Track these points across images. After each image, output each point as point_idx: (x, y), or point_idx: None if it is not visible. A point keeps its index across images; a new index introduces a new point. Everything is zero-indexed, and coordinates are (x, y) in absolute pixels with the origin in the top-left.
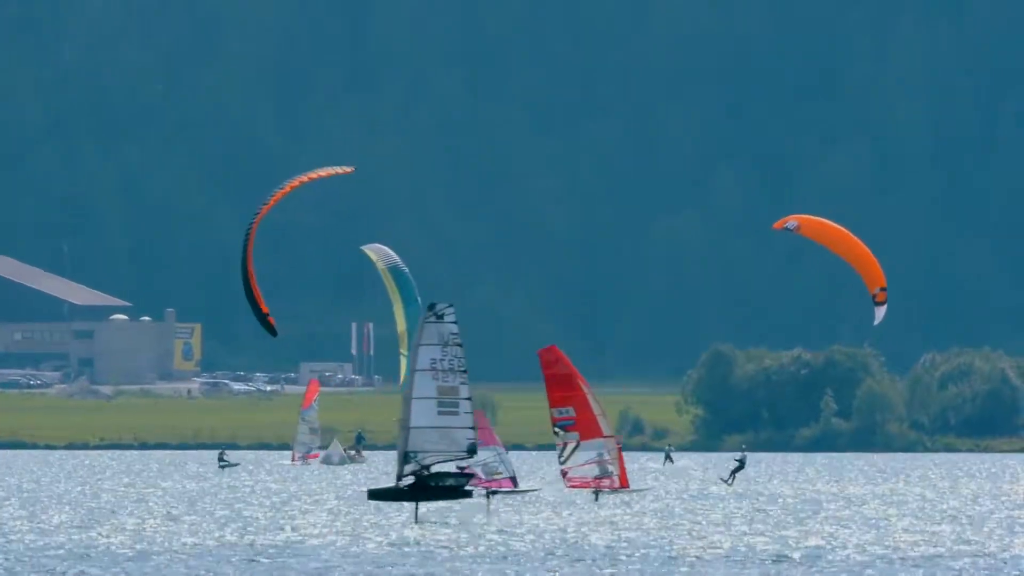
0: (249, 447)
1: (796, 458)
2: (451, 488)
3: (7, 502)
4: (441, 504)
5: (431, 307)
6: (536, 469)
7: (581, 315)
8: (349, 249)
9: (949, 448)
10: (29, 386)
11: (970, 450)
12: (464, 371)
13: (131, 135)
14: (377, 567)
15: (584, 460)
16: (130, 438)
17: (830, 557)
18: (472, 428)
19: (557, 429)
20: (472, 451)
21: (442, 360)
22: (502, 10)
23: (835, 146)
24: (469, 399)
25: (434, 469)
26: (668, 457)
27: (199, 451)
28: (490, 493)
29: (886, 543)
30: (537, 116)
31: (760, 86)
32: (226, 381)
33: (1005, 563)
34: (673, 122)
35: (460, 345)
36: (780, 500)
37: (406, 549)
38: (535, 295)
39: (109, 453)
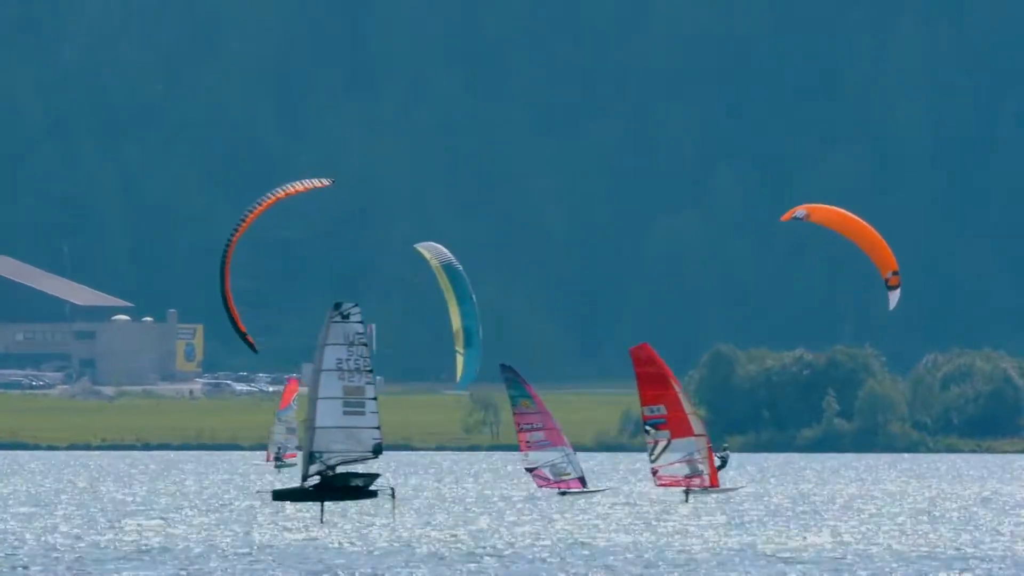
0: (251, 448)
1: (799, 458)
2: (357, 488)
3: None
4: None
5: (336, 307)
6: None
7: (581, 315)
8: (350, 249)
9: (951, 449)
10: (31, 387)
11: (972, 451)
12: (370, 371)
13: (132, 135)
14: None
15: (674, 459)
16: (132, 439)
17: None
18: (377, 428)
19: (648, 427)
20: (378, 451)
21: (348, 360)
22: (502, 10)
23: (835, 146)
24: (375, 399)
25: (339, 469)
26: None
27: (199, 452)
28: (393, 493)
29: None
30: (537, 116)
31: (760, 86)
32: (228, 382)
33: None
34: (673, 122)
35: (366, 344)
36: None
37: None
38: (535, 295)
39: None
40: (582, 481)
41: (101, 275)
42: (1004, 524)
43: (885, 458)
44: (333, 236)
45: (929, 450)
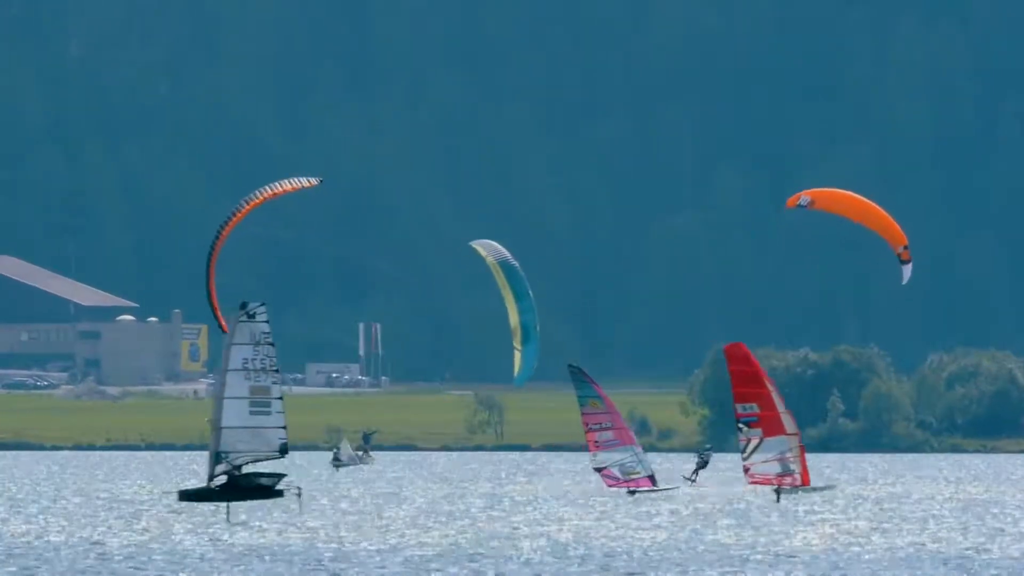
0: None
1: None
2: (263, 488)
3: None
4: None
5: (243, 306)
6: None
7: (583, 315)
8: (354, 249)
9: (956, 448)
10: (36, 387)
11: (977, 450)
12: (276, 370)
13: (134, 135)
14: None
15: (766, 457)
16: (137, 439)
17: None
18: (283, 428)
19: (741, 425)
20: (284, 451)
21: (254, 360)
22: (502, 10)
23: (836, 146)
24: (281, 398)
25: (245, 469)
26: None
27: (204, 452)
28: (300, 492)
29: None
30: (538, 116)
31: (761, 86)
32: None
33: None
34: (674, 122)
35: (272, 344)
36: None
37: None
38: (538, 295)
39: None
40: (652, 479)
41: (105, 275)
42: None
43: (890, 458)
44: (335, 236)
45: (933, 450)
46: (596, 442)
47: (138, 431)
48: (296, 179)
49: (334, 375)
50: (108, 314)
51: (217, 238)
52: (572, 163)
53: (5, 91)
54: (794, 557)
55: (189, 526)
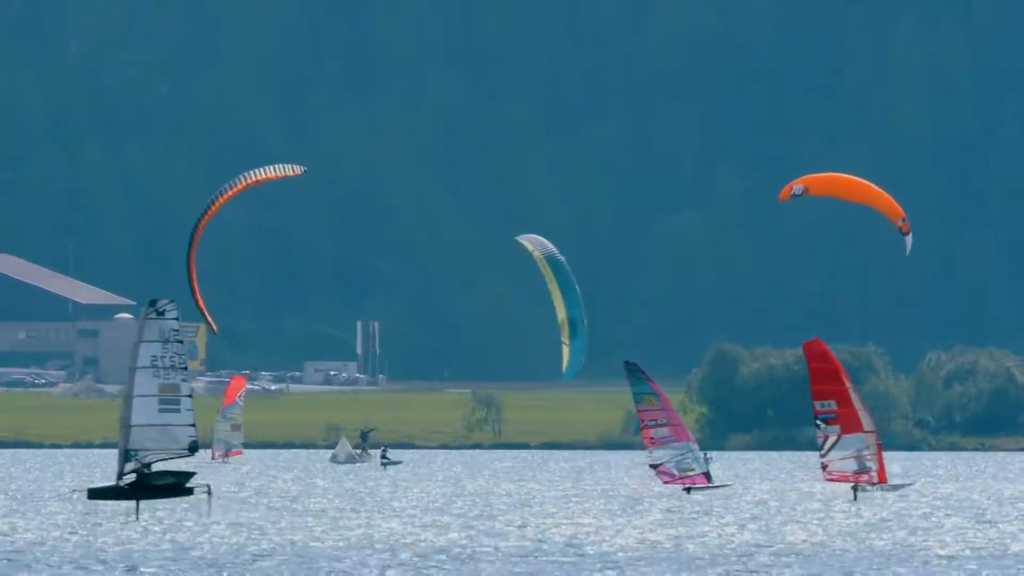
0: (255, 447)
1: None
2: (172, 486)
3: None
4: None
5: (152, 303)
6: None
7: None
8: (353, 248)
9: (954, 447)
10: (34, 385)
11: (975, 449)
12: (185, 368)
13: (134, 134)
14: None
15: (843, 455)
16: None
17: None
18: (192, 425)
19: (819, 422)
20: (193, 449)
21: (163, 357)
22: (502, 10)
23: (836, 146)
24: (190, 396)
25: (155, 467)
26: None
27: (201, 450)
28: (209, 491)
29: None
30: (538, 116)
31: (762, 86)
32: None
33: None
34: (675, 121)
35: (181, 342)
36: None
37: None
38: (538, 294)
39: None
40: (707, 476)
41: (104, 273)
42: None
43: (889, 456)
44: (335, 236)
45: (931, 448)
46: (651, 438)
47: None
48: (280, 166)
49: (332, 373)
50: (106, 312)
51: (196, 227)
52: (572, 163)
53: (5, 91)
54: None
55: (92, 523)
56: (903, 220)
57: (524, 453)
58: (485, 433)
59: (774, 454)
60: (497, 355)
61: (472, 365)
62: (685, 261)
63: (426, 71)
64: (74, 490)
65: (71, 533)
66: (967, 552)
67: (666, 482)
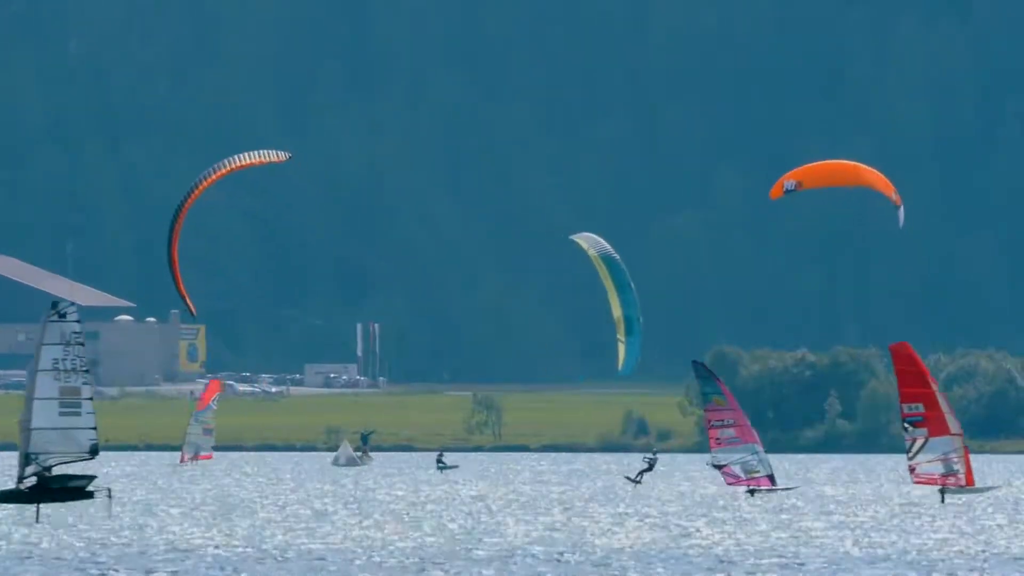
0: (255, 449)
1: (802, 459)
2: (73, 489)
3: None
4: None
5: (54, 305)
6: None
7: (584, 315)
8: (353, 249)
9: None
10: None
11: (975, 452)
12: (87, 371)
13: (135, 135)
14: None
15: (931, 457)
16: (135, 440)
17: None
18: (94, 428)
19: (906, 425)
20: (94, 452)
21: (64, 360)
22: (502, 10)
23: (836, 146)
24: (91, 399)
25: (56, 471)
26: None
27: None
28: (110, 494)
29: None
30: (539, 115)
31: (761, 86)
32: (231, 382)
33: None
34: (675, 122)
35: (82, 344)
36: None
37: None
38: (538, 295)
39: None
40: (771, 479)
41: (104, 275)
42: None
43: (885, 459)
44: (335, 236)
45: None
46: (717, 439)
47: (136, 431)
48: (265, 152)
49: (332, 375)
50: (106, 314)
51: (179, 211)
52: (572, 163)
53: (5, 91)
54: None
55: None
56: (895, 194)
57: (538, 455)
58: (485, 435)
59: (775, 456)
60: (497, 356)
61: (472, 366)
62: (685, 261)
63: (426, 71)
64: None
65: None
66: None
67: (730, 483)
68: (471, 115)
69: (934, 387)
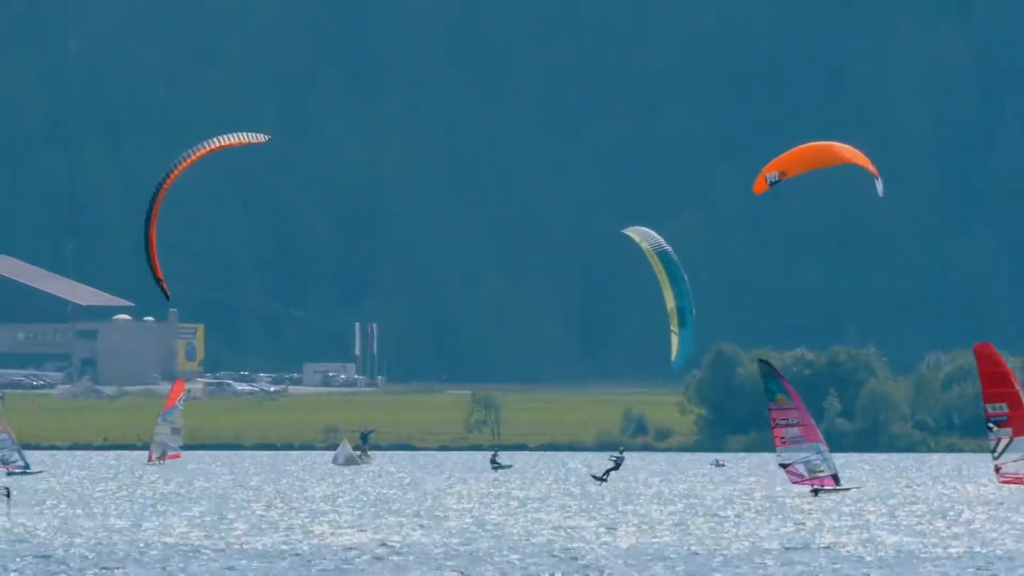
0: (254, 448)
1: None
2: None
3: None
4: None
5: None
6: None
7: (583, 315)
8: (352, 249)
9: (953, 448)
10: (32, 387)
11: (974, 450)
12: None
13: (134, 135)
14: None
15: (1016, 456)
16: (134, 439)
17: None
18: None
19: (991, 425)
20: None
21: None
22: (502, 10)
23: None
24: None
25: None
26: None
27: (200, 452)
28: (8, 493)
29: None
30: (539, 116)
31: (762, 86)
32: (229, 382)
33: None
34: (674, 122)
35: None
36: None
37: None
38: (538, 295)
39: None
40: (835, 479)
41: (102, 275)
42: None
43: (884, 458)
44: (336, 236)
45: (930, 450)
46: (782, 438)
47: (135, 430)
48: (243, 134)
49: (330, 374)
50: (105, 314)
51: (156, 196)
52: (572, 163)
53: (5, 91)
54: None
55: None
56: (872, 166)
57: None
58: (484, 434)
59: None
60: (496, 356)
61: (471, 366)
62: (685, 261)
63: (426, 71)
64: None
65: None
66: None
67: (794, 482)
68: (471, 115)
69: (1017, 387)
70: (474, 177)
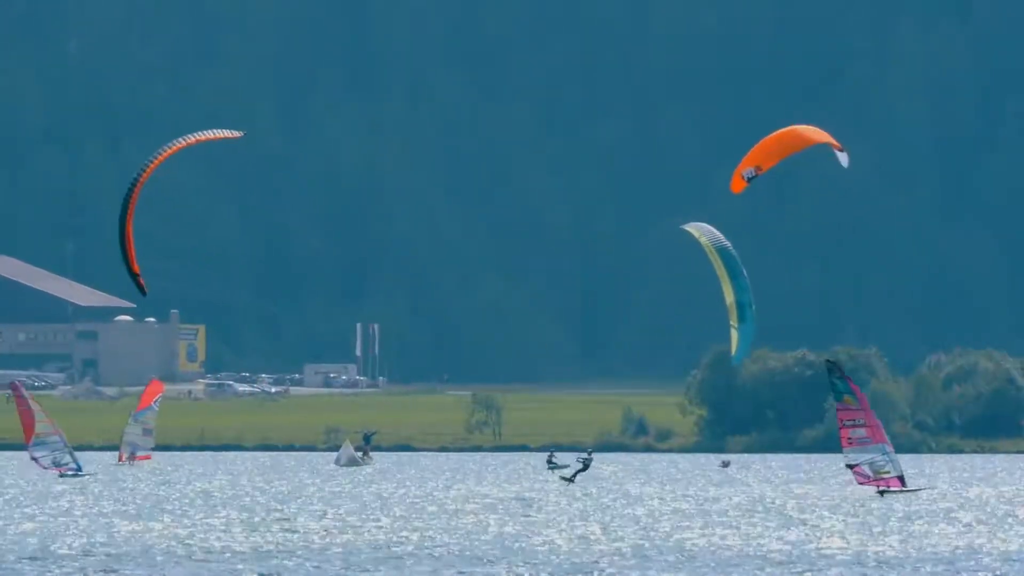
0: (255, 448)
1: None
2: None
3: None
4: None
5: None
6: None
7: (584, 315)
8: (353, 250)
9: (953, 449)
10: (33, 387)
11: (974, 451)
12: None
13: (134, 135)
14: None
15: None
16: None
17: None
18: None
19: None
20: None
21: None
22: (502, 10)
23: None
24: None
25: None
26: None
27: (202, 452)
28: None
29: None
30: (539, 116)
31: (761, 86)
32: (230, 382)
33: None
34: (675, 122)
35: None
36: None
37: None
38: (537, 295)
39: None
40: (901, 480)
41: (102, 275)
42: None
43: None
44: (335, 237)
45: (931, 450)
46: (849, 439)
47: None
48: (219, 130)
49: (331, 375)
50: (105, 314)
51: (130, 193)
52: (572, 163)
53: (5, 91)
54: None
55: None
56: (835, 140)
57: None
58: (485, 435)
59: (775, 456)
60: (497, 356)
61: (471, 366)
62: (685, 262)
63: (426, 71)
64: None
65: None
66: None
67: (861, 483)
68: (471, 115)
69: None
70: (474, 177)
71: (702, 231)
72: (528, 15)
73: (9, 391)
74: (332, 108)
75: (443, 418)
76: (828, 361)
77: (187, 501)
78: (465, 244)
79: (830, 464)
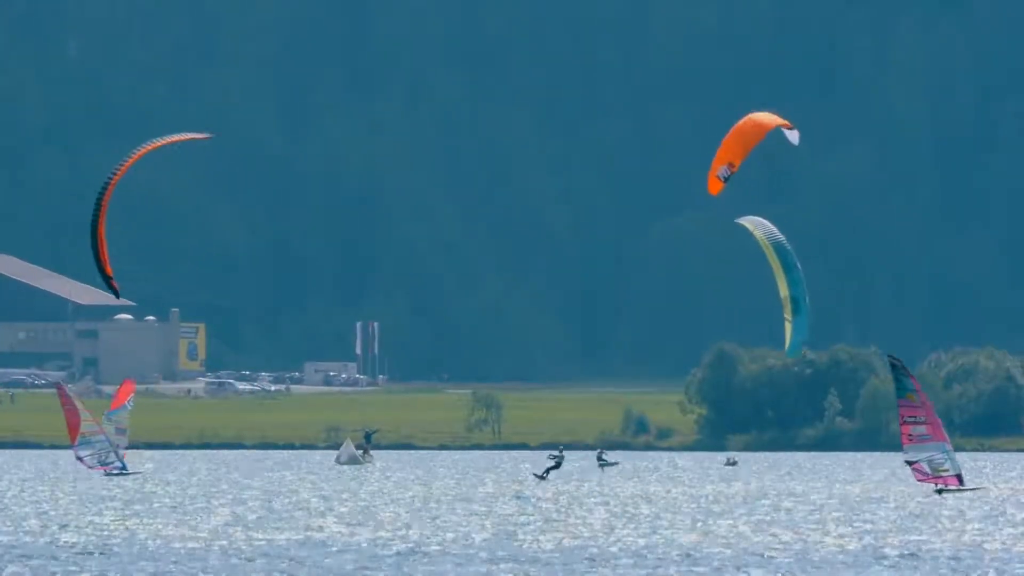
0: (255, 447)
1: (800, 458)
2: None
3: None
4: None
5: None
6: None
7: (583, 315)
8: (353, 249)
9: (954, 448)
10: (33, 386)
11: (975, 449)
12: None
13: (134, 135)
14: None
15: None
16: (134, 438)
17: None
18: None
19: None
20: None
21: None
22: (502, 10)
23: (836, 146)
24: None
25: None
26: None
27: (203, 451)
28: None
29: None
30: (538, 116)
31: (761, 86)
32: (231, 381)
33: None
34: (674, 122)
35: None
36: None
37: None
38: (537, 295)
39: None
40: (959, 479)
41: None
42: None
43: (886, 456)
44: (336, 236)
45: None
46: (909, 435)
47: (135, 430)
48: (188, 133)
49: (332, 374)
50: (106, 313)
51: (102, 195)
52: (572, 163)
53: (5, 91)
54: None
55: None
56: (786, 120)
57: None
58: (485, 433)
59: (775, 455)
60: (497, 355)
61: (471, 365)
62: (685, 261)
63: (426, 71)
64: None
65: None
66: None
67: (919, 480)
68: (471, 115)
69: None
70: (473, 177)
71: (756, 225)
72: (528, 15)
73: (12, 392)
74: (332, 108)
75: (443, 417)
76: (890, 356)
77: (187, 500)
78: (465, 244)
79: (842, 462)
